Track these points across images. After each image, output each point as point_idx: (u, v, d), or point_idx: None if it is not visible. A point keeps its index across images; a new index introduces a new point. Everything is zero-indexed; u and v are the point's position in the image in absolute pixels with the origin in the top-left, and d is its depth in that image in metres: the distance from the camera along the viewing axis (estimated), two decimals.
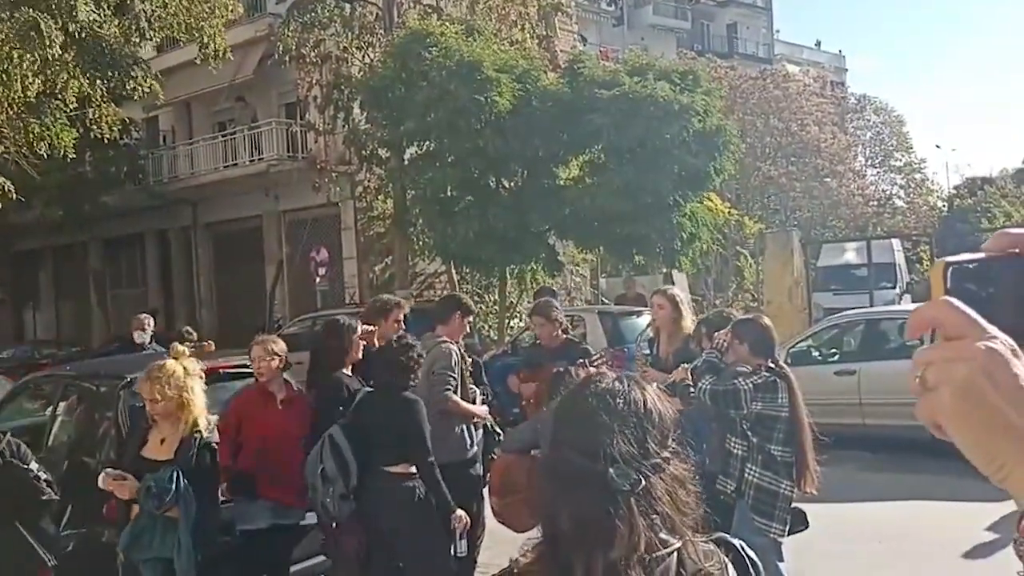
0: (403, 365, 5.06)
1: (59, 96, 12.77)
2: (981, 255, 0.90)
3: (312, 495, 5.03)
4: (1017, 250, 0.89)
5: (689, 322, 6.25)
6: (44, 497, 4.88)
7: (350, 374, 5.57)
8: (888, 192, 40.19)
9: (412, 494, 4.98)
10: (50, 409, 6.58)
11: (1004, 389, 0.80)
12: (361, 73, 19.03)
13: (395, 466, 4.98)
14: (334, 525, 5.11)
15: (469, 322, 6.31)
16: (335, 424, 5.01)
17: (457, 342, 6.04)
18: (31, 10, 10.61)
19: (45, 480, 4.91)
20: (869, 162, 41.27)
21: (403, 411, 4.98)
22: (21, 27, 10.62)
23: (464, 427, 5.88)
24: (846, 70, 55.01)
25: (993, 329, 0.83)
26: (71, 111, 13.64)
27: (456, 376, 5.77)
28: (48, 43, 10.61)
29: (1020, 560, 1.75)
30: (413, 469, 5.01)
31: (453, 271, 18.00)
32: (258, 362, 5.49)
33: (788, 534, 4.97)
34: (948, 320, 0.84)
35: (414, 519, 4.97)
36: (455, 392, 5.74)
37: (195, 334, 11.07)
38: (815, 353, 11.47)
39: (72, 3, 10.89)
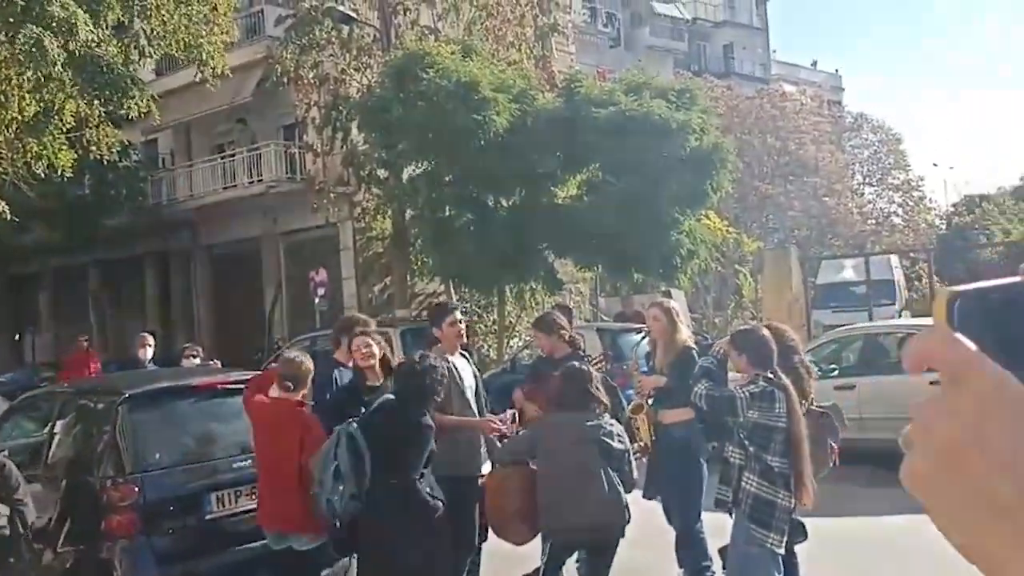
0: (423, 389, 5.05)
1: (56, 116, 12.83)
2: (1013, 280, 0.68)
3: (317, 491, 4.89)
4: None
5: (685, 335, 6.26)
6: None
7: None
8: (886, 210, 40.31)
9: (423, 502, 4.96)
10: (48, 427, 6.55)
11: (996, 455, 0.60)
12: (359, 94, 19.11)
13: (406, 475, 4.96)
14: (337, 524, 5.00)
15: (460, 321, 6.10)
16: (352, 422, 4.97)
17: (455, 352, 6.01)
18: (34, 27, 10.68)
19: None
20: (867, 180, 41.43)
21: (416, 434, 5.00)
22: (23, 44, 10.68)
23: (473, 442, 5.84)
24: (843, 89, 55.16)
25: (1005, 375, 0.61)
26: (68, 132, 13.69)
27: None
28: (51, 61, 10.68)
29: None
30: (416, 476, 5.00)
31: (452, 290, 18.01)
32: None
33: (787, 545, 4.95)
34: (942, 357, 0.64)
35: (422, 526, 4.95)
36: (448, 405, 5.64)
37: (200, 349, 11.08)
38: (815, 368, 11.45)
39: (72, 22, 10.96)
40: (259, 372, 6.29)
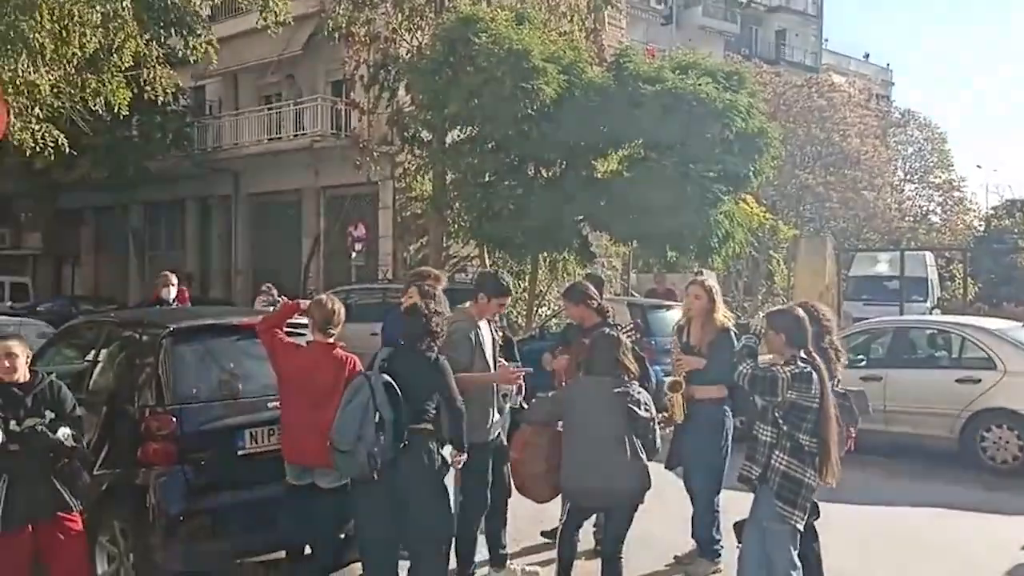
0: (429, 329, 5.12)
1: (116, 54, 12.93)
2: None
3: (357, 445, 4.83)
4: None
5: (722, 314, 6.32)
6: (68, 458, 4.99)
7: None
8: (925, 208, 39.81)
9: (431, 455, 5.06)
10: (92, 354, 6.70)
11: None
12: (409, 55, 19.16)
13: (418, 424, 5.04)
14: (375, 476, 4.89)
15: (501, 303, 6.02)
16: (382, 373, 4.96)
17: (490, 320, 6.03)
18: None
19: (72, 435, 4.99)
20: (908, 177, 40.90)
21: (434, 371, 5.09)
22: None
23: (486, 408, 5.80)
24: (892, 84, 54.52)
25: None
26: (126, 71, 13.82)
27: (463, 356, 5.65)
28: None
29: None
30: (431, 427, 5.11)
31: (486, 255, 18.12)
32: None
33: (807, 526, 5.04)
34: None
35: (428, 479, 5.05)
36: (470, 368, 5.64)
37: (275, 290, 11.11)
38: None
39: None
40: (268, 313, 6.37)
